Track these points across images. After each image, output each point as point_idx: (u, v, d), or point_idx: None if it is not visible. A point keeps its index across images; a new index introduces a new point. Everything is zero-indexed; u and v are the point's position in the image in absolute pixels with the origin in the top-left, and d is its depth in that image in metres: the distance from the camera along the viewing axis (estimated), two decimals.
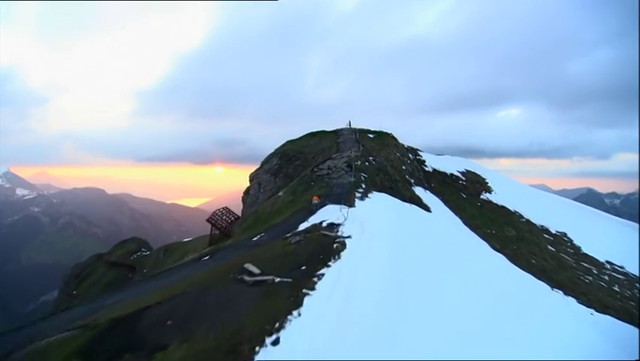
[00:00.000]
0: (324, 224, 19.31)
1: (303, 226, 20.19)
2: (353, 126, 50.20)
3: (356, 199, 24.88)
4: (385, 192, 31.73)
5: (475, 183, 53.73)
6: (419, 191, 40.19)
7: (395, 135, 50.04)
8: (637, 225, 55.07)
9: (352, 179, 29.83)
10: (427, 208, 35.44)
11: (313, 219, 21.05)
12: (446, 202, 43.97)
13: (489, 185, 55.50)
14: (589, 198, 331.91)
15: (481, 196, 51.54)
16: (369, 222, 19.00)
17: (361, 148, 37.89)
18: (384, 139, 45.41)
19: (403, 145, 50.36)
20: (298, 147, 42.24)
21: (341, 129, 47.71)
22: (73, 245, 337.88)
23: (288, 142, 45.15)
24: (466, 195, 49.54)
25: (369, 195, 27.64)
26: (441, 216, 35.90)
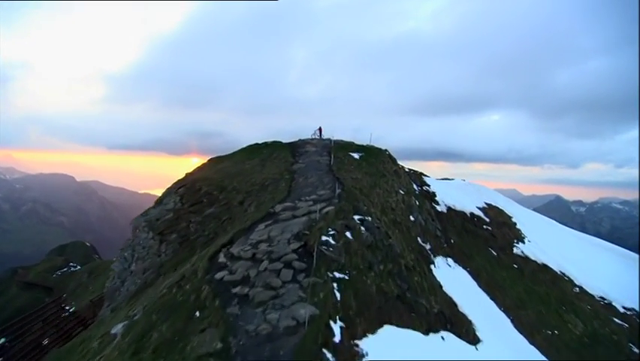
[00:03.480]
0: None
1: None
2: (327, 136, 29.84)
3: None
4: (392, 323, 12.07)
5: (502, 227, 34.92)
6: (443, 270, 20.60)
7: (391, 153, 30.13)
8: None
9: (307, 314, 9.69)
10: (470, 333, 15.96)
11: None
12: (478, 277, 24.70)
13: (518, 227, 36.97)
14: (557, 205, 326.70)
15: (515, 249, 32.81)
16: None
17: (338, 190, 17.83)
18: (376, 163, 25.41)
19: (403, 168, 30.60)
20: (221, 175, 21.61)
21: (304, 141, 27.33)
22: (37, 234, 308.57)
23: (211, 162, 24.47)
24: (496, 252, 30.57)
25: None
26: (494, 349, 16.42)
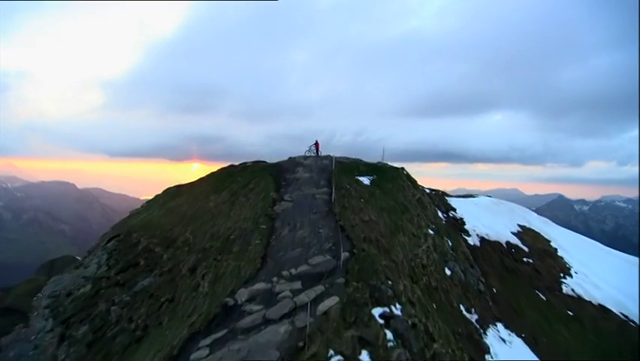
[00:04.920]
0: None
1: None
2: (325, 152, 22.85)
3: None
4: None
5: (544, 257, 27.86)
6: (500, 357, 13.64)
7: (409, 173, 23.06)
8: None
9: None
10: None
11: None
12: (537, 345, 17.71)
13: (560, 255, 29.92)
14: (560, 204, 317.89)
15: (564, 287, 25.75)
16: None
17: (344, 253, 10.56)
18: (394, 190, 18.40)
19: (424, 190, 23.57)
20: (173, 218, 14.68)
21: (296, 161, 20.35)
22: (38, 243, 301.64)
23: (167, 195, 17.52)
24: (544, 295, 23.51)
25: None
26: None
